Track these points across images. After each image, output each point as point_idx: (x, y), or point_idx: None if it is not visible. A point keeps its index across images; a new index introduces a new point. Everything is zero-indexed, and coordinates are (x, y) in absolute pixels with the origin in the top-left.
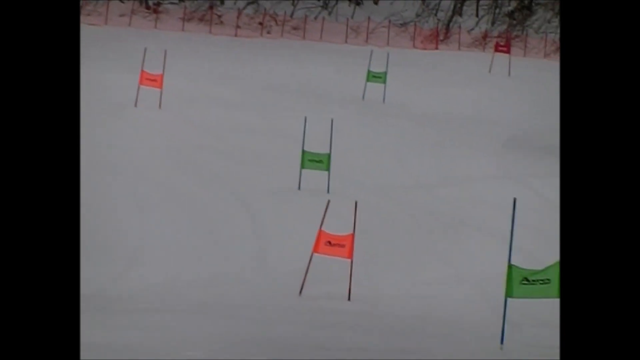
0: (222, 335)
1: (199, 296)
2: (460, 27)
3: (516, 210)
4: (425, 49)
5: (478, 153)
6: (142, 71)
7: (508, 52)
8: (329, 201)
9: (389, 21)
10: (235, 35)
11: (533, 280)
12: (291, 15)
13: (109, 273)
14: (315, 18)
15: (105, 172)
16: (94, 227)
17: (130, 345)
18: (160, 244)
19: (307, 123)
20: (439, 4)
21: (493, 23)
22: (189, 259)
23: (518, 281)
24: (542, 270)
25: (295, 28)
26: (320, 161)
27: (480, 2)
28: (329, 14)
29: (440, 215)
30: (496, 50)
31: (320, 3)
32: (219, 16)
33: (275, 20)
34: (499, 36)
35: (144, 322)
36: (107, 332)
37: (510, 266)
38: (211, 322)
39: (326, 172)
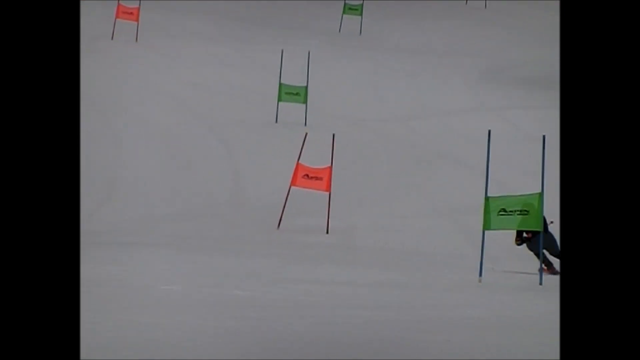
0: (198, 269)
1: (175, 230)
2: None
3: (492, 142)
4: None
5: (454, 85)
6: (119, 4)
7: None
8: (306, 134)
9: None
10: None
11: (510, 211)
12: None
13: (84, 207)
14: None
15: (82, 106)
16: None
17: (106, 279)
18: (136, 178)
19: (283, 56)
20: None
21: None
22: (165, 193)
23: (495, 213)
24: (519, 199)
25: None
26: (297, 94)
27: None
28: None
29: (417, 147)
30: None
31: None
32: None
33: None
34: None
35: (120, 256)
36: (83, 265)
37: (487, 198)
38: (188, 256)
39: (303, 105)
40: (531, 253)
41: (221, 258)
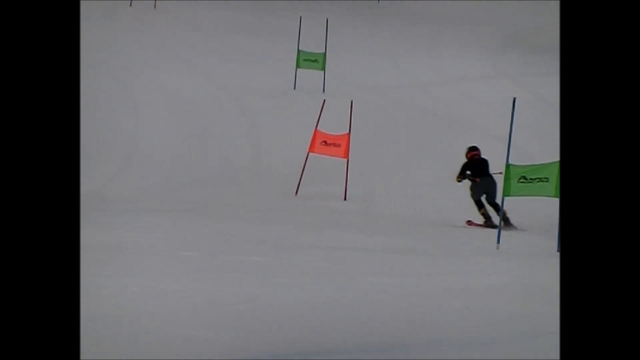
0: (217, 236)
1: (194, 197)
2: None
3: (509, 109)
4: None
5: (474, 52)
6: None
7: None
8: (324, 101)
9: None
10: None
11: (531, 179)
12: None
13: (104, 173)
14: None
15: (100, 73)
16: (89, 127)
17: (126, 244)
18: (154, 145)
19: (302, 22)
20: None
21: None
22: (183, 160)
23: (516, 180)
24: (540, 167)
25: None
26: (315, 60)
27: None
28: None
29: (435, 114)
30: None
31: None
32: None
33: None
34: None
35: (139, 221)
36: (104, 232)
37: (508, 165)
38: (207, 223)
39: (322, 72)
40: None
41: (240, 225)
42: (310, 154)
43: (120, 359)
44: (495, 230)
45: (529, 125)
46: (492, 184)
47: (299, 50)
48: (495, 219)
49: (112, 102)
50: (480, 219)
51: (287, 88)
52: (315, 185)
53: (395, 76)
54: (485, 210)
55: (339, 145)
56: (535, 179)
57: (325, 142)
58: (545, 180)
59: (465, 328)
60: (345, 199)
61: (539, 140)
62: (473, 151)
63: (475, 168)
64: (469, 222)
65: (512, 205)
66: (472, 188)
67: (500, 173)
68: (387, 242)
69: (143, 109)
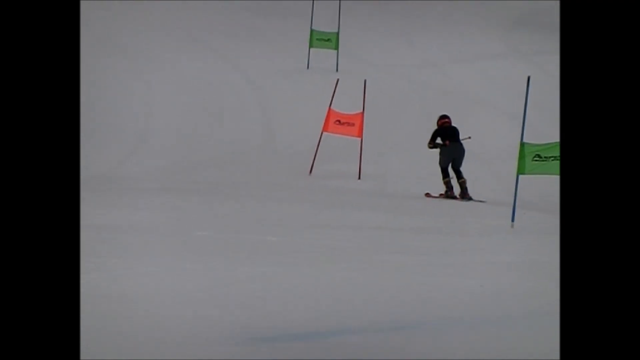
0: (231, 216)
1: (208, 177)
2: None
3: (524, 87)
4: None
5: (486, 31)
6: None
7: None
8: (338, 80)
9: None
10: None
11: (545, 157)
12: None
13: (117, 154)
14: None
15: (111, 53)
16: (100, 108)
17: (139, 225)
18: (168, 125)
19: (314, 2)
20: None
21: None
22: (197, 139)
23: (530, 158)
24: (555, 145)
25: None
26: (328, 40)
27: None
28: None
29: (449, 93)
30: None
31: None
32: None
33: None
34: None
35: (152, 202)
36: (116, 212)
37: (522, 144)
38: (220, 203)
39: (335, 51)
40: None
41: (253, 204)
42: (324, 133)
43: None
44: (510, 208)
45: (542, 104)
46: (461, 150)
47: (312, 30)
48: (457, 192)
49: (124, 83)
50: (441, 189)
51: (300, 67)
52: (329, 164)
53: (408, 55)
54: (449, 180)
55: (353, 124)
56: (550, 157)
57: (339, 121)
58: (559, 158)
59: (480, 306)
60: (359, 178)
61: (553, 119)
62: (444, 119)
63: (445, 135)
64: (427, 195)
65: (527, 182)
66: (441, 153)
67: (469, 138)
68: (401, 221)
69: (155, 89)
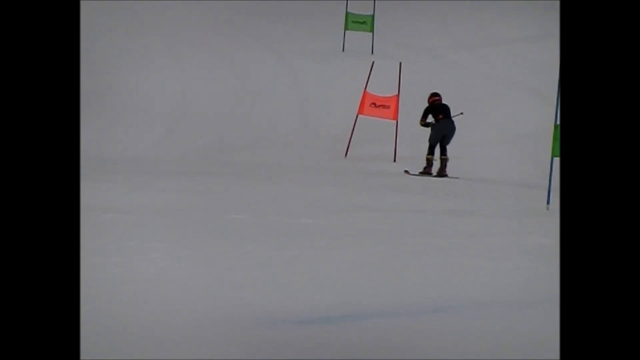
0: (266, 198)
1: (243, 159)
2: None
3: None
4: None
5: (520, 13)
6: None
7: None
8: (373, 62)
9: None
10: None
11: None
12: None
13: (152, 136)
14: None
15: (143, 32)
16: (134, 88)
17: (174, 207)
18: (203, 107)
19: None
20: None
21: None
22: (232, 122)
23: None
24: None
25: None
26: (364, 22)
27: None
28: None
29: (484, 75)
30: None
31: None
32: None
33: None
34: None
35: (188, 184)
36: (151, 195)
37: (556, 126)
38: (256, 185)
39: (370, 34)
40: None
41: (289, 187)
42: (360, 115)
43: (169, 321)
44: (545, 191)
45: None
46: (452, 127)
47: (347, 13)
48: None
49: (159, 64)
50: (420, 167)
51: (335, 50)
52: (364, 147)
53: (443, 36)
54: (432, 158)
55: (388, 107)
56: None
57: (375, 103)
58: None
59: (515, 289)
60: (394, 160)
61: None
62: (435, 97)
63: (437, 112)
64: (406, 172)
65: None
66: (432, 128)
67: (462, 114)
68: (436, 204)
69: (190, 71)
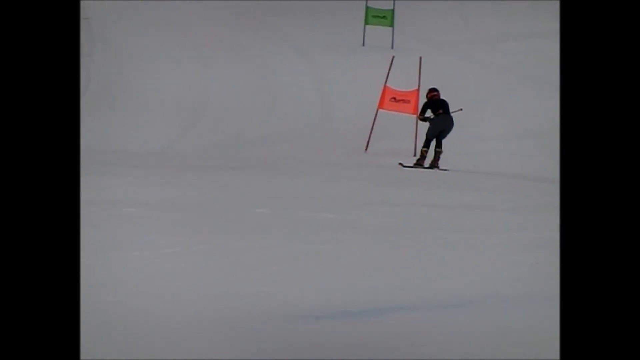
0: (287, 193)
1: (263, 154)
2: None
3: None
4: None
5: (539, 7)
6: None
7: None
8: (393, 57)
9: None
10: None
11: None
12: None
13: (173, 131)
14: None
15: (166, 30)
16: (155, 83)
17: (196, 202)
18: (224, 101)
19: None
20: None
21: None
22: (253, 116)
23: None
24: None
25: None
26: (384, 17)
27: None
28: None
29: (503, 70)
30: None
31: None
32: None
33: None
34: None
35: (208, 178)
36: (173, 189)
37: None
38: (276, 180)
39: (390, 28)
40: None
41: (309, 181)
42: (380, 110)
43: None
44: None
45: None
46: (450, 122)
47: (367, 7)
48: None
49: (180, 59)
50: (414, 159)
51: (355, 45)
52: (384, 141)
53: (462, 30)
54: (427, 151)
55: (409, 102)
56: None
57: (395, 98)
58: None
59: (535, 283)
60: (414, 154)
61: None
62: (433, 92)
63: (436, 107)
64: (400, 164)
65: None
66: (431, 123)
67: (461, 110)
68: (456, 198)
69: (211, 65)
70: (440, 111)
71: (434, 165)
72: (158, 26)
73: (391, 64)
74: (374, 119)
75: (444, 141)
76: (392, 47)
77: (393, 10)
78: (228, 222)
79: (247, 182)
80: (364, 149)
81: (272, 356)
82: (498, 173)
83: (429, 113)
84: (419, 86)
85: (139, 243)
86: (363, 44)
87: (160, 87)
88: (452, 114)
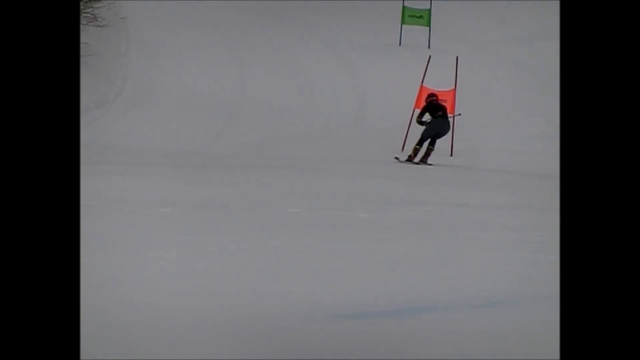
0: (322, 192)
1: (299, 153)
2: None
3: None
4: None
5: None
6: None
7: None
8: (430, 56)
9: None
10: None
11: None
12: None
13: (209, 130)
14: None
15: (200, 28)
16: (192, 83)
17: (231, 201)
18: (258, 101)
19: None
20: None
21: None
22: (288, 115)
23: None
24: None
25: None
26: (420, 17)
27: None
28: None
29: (540, 70)
30: None
31: None
32: None
33: None
34: None
35: (243, 178)
36: (210, 188)
37: None
38: (311, 179)
39: (427, 28)
40: None
41: (345, 180)
42: (416, 110)
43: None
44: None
45: None
46: (447, 126)
47: (404, 7)
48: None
49: (217, 59)
50: (406, 155)
51: (392, 44)
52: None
53: (497, 30)
54: (419, 148)
55: (445, 101)
56: None
57: None
58: None
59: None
60: (451, 154)
61: None
62: (431, 97)
63: (434, 111)
64: (396, 159)
65: None
66: (428, 124)
67: (459, 115)
68: (491, 198)
69: (247, 65)
70: (440, 113)
71: (424, 161)
72: (194, 25)
73: (428, 63)
74: (411, 119)
75: (438, 141)
76: (429, 47)
77: (430, 10)
78: (263, 221)
79: (282, 181)
80: (401, 148)
81: (304, 356)
82: (532, 173)
83: (426, 117)
84: (455, 86)
85: (173, 243)
86: (400, 44)
87: (197, 87)
88: (449, 118)
